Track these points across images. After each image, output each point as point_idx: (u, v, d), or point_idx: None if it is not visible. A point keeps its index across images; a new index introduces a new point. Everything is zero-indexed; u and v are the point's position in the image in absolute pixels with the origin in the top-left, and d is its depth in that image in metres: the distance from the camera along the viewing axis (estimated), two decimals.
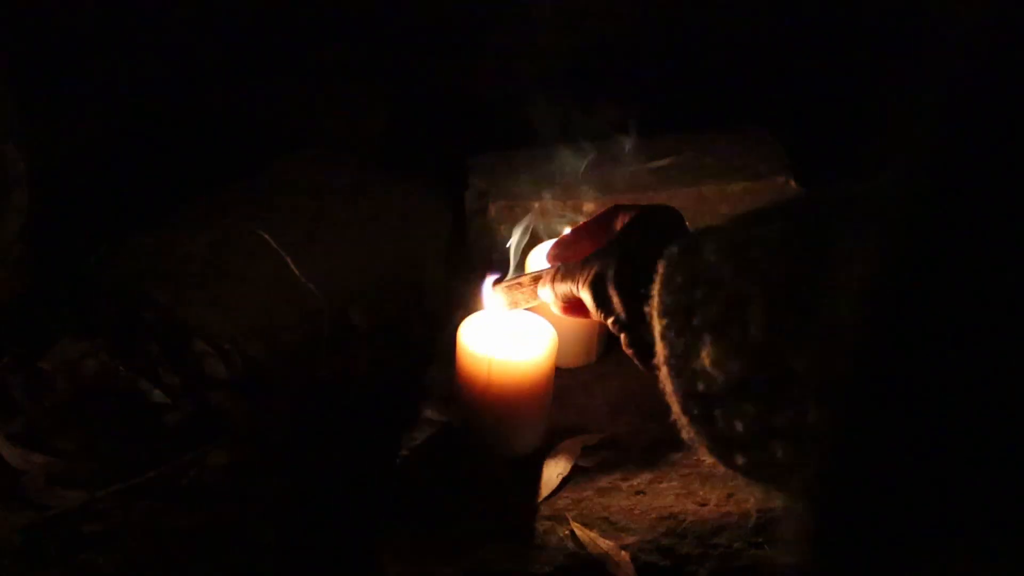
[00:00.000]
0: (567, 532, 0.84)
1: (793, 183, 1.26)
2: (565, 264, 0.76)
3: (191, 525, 0.96)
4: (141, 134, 1.39)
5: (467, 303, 1.07)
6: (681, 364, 0.56)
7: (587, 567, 0.82)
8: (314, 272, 1.18)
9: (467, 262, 1.27)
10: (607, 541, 0.83)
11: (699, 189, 1.24)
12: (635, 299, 0.64)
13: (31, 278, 1.14)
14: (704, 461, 0.92)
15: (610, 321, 0.69)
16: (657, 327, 0.58)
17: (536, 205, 1.20)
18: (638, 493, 0.88)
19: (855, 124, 1.31)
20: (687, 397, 0.56)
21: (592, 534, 0.84)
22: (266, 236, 1.18)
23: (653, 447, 0.93)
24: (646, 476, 0.90)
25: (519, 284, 0.84)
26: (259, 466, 1.02)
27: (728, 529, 0.85)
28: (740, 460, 0.54)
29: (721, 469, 0.92)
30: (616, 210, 0.76)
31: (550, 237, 1.06)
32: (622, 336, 0.69)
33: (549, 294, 0.77)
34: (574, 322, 0.96)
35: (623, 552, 0.83)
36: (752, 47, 1.43)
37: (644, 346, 0.63)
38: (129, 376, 1.08)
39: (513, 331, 0.90)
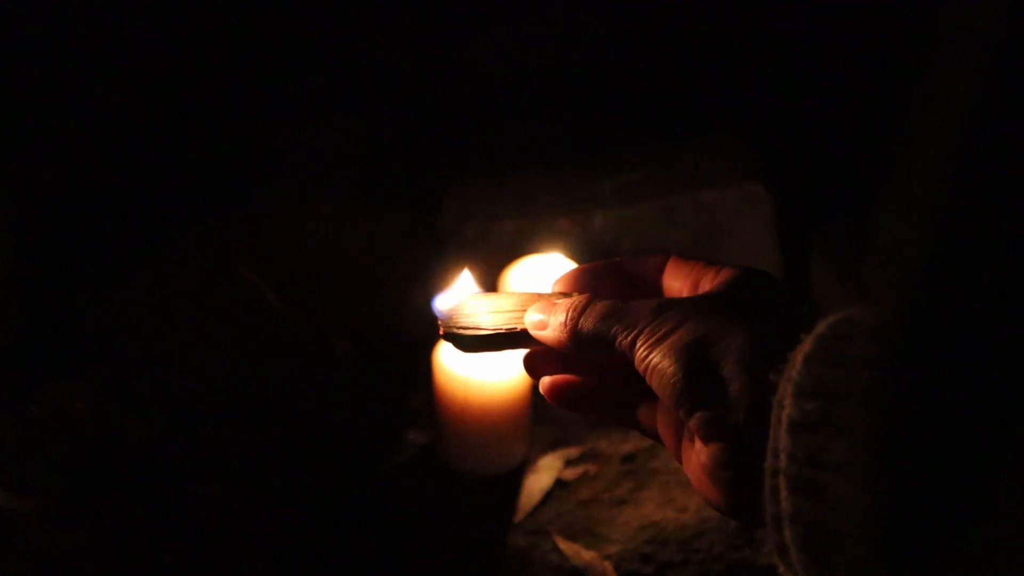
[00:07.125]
0: (551, 546, 0.86)
1: (764, 190, 1.28)
2: (607, 300, 0.49)
3: (187, 558, 0.97)
4: (123, 174, 1.42)
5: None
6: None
7: None
8: (296, 302, 1.21)
9: (445, 286, 1.29)
10: (590, 552, 0.85)
11: (670, 200, 1.26)
12: (764, 388, 0.41)
13: (18, 323, 1.15)
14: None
15: (699, 416, 0.43)
16: (789, 411, 0.39)
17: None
18: (619, 503, 0.90)
19: (827, 130, 1.34)
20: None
21: (575, 546, 0.86)
22: (248, 273, 1.21)
23: (633, 458, 0.95)
24: (627, 486, 0.92)
25: (499, 301, 0.57)
26: (251, 497, 1.04)
27: (708, 534, 0.87)
28: None
29: None
30: (672, 260, 0.52)
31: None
32: (716, 448, 0.43)
33: (556, 332, 0.51)
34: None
35: (606, 562, 0.84)
36: (720, 55, 1.45)
37: (752, 462, 0.41)
38: (119, 415, 1.10)
39: None
